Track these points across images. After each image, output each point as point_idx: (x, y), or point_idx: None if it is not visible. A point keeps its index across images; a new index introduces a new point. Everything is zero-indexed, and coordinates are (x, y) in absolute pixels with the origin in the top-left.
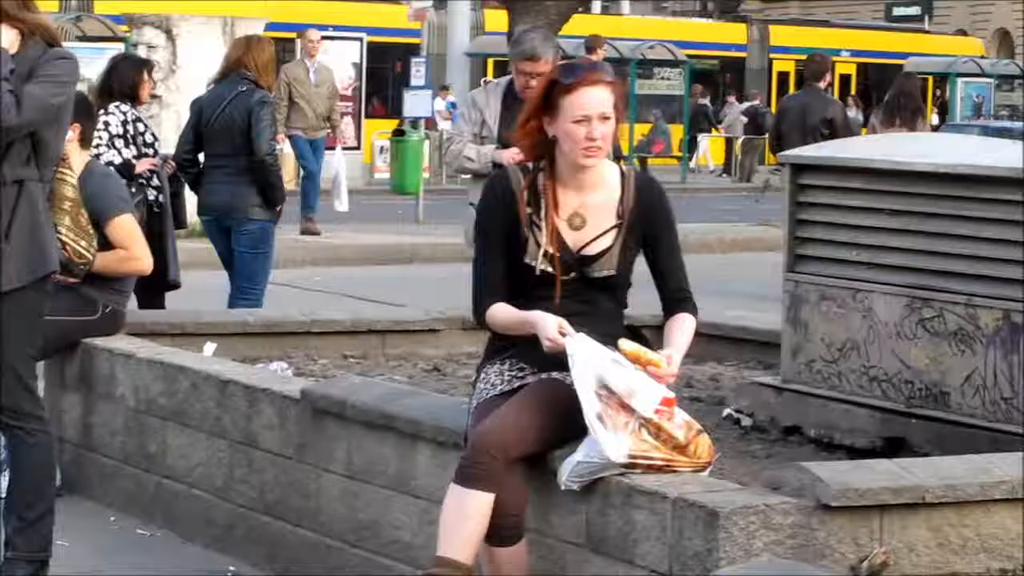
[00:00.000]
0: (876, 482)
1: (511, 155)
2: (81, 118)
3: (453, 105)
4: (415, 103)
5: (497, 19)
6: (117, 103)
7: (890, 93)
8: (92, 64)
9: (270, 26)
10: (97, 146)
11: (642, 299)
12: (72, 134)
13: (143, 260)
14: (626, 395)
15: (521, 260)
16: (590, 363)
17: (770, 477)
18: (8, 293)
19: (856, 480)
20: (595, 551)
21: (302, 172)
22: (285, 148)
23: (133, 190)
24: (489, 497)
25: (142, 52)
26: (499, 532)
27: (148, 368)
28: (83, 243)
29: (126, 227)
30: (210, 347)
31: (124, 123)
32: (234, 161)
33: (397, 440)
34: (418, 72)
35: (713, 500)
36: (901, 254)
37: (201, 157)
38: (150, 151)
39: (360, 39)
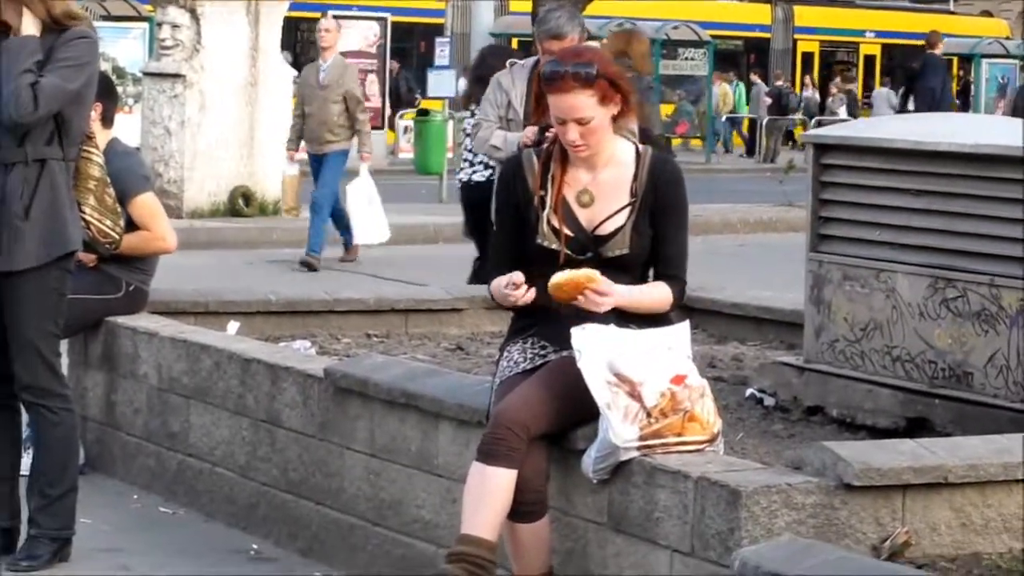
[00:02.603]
0: (898, 462)
1: (527, 134)
2: (103, 97)
3: None
4: (439, 83)
5: None
6: None
7: None
8: (117, 44)
9: (294, 6)
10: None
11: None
12: (94, 113)
13: (166, 239)
14: (638, 383)
15: (534, 241)
16: (599, 353)
17: (792, 457)
18: (28, 272)
19: (878, 460)
20: (617, 530)
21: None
22: (291, 169)
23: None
24: (511, 473)
25: (166, 32)
26: (521, 508)
27: (171, 346)
28: (108, 222)
29: (148, 206)
30: (233, 326)
31: None
32: None
33: (419, 419)
34: (442, 52)
35: (735, 479)
36: (924, 234)
37: None
38: None
39: (384, 19)
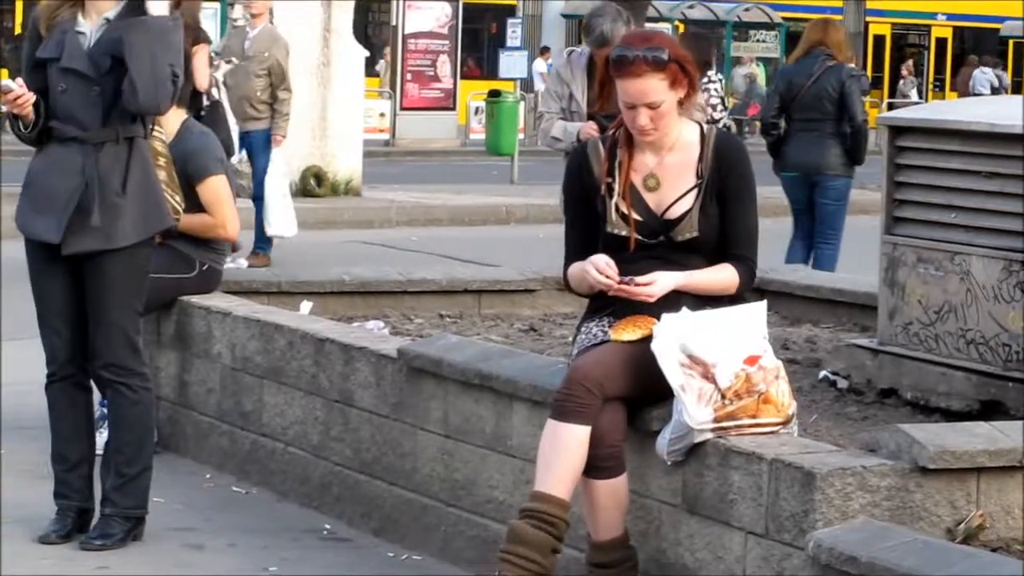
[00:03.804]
0: (973, 445)
1: (588, 129)
2: None
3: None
4: (510, 64)
5: None
6: (712, 71)
7: None
8: None
9: None
10: (716, 107)
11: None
12: None
13: (228, 227)
14: (711, 364)
15: (605, 229)
16: (671, 335)
17: (866, 439)
18: (122, 250)
19: (953, 443)
20: (691, 512)
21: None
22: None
23: None
24: (584, 430)
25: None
26: (596, 463)
27: (244, 326)
28: (177, 197)
29: (217, 190)
30: (306, 306)
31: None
32: (823, 125)
33: (493, 399)
34: (514, 33)
35: (810, 461)
36: (999, 217)
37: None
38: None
39: None
